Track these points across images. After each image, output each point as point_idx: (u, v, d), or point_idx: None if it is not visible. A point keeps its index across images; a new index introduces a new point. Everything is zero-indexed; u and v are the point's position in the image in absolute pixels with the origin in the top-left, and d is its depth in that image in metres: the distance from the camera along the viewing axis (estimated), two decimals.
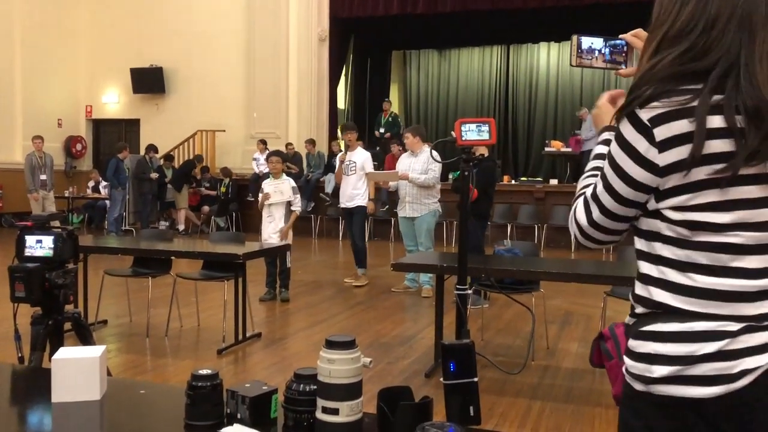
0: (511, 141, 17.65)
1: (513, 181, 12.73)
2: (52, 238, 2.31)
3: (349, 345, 1.33)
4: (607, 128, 1.45)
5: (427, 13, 13.61)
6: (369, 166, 7.48)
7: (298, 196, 6.66)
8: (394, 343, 5.18)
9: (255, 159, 13.26)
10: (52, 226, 2.35)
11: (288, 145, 13.26)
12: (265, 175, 12.47)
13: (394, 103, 18.36)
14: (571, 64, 1.56)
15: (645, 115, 1.20)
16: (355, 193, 7.42)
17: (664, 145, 1.19)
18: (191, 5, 14.46)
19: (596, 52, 1.50)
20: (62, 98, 15.17)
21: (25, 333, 2.43)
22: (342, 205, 7.62)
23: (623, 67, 1.50)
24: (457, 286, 2.56)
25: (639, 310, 1.29)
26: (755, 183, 1.19)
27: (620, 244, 1.59)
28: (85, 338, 2.44)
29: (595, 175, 1.37)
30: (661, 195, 1.23)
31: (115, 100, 15.58)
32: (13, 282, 2.26)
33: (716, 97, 1.17)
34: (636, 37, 1.46)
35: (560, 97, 17.26)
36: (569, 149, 13.30)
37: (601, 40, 1.50)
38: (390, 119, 14.13)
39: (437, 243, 8.20)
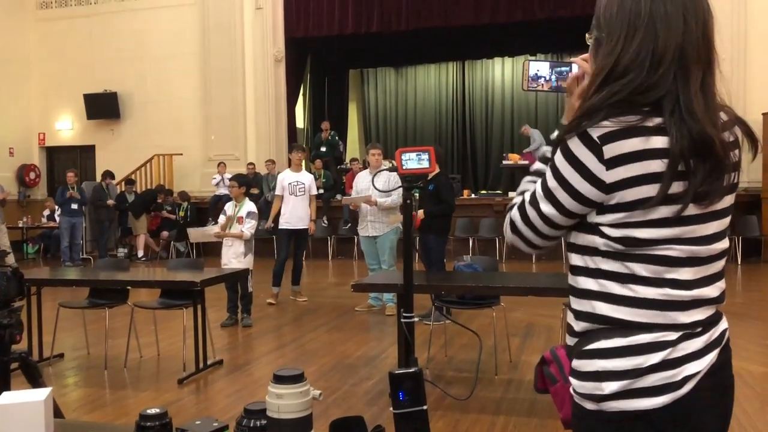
0: (470, 155, 17.84)
1: (473, 195, 12.84)
2: None
3: (297, 379, 1.32)
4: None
5: (381, 31, 13.74)
6: (314, 188, 7.75)
7: (253, 221, 6.48)
8: (359, 365, 5.15)
9: (214, 179, 13.15)
10: None
11: (249, 165, 13.20)
12: (227, 198, 12.37)
13: (352, 121, 18.43)
14: (522, 89, 1.63)
15: (595, 132, 1.22)
16: (305, 214, 7.57)
17: (612, 163, 1.22)
18: (144, 29, 14.33)
19: (542, 78, 1.56)
20: (13, 126, 14.85)
21: None
22: (291, 227, 7.55)
23: None
24: (403, 314, 2.53)
25: (580, 327, 1.31)
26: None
27: None
28: (34, 378, 2.37)
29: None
30: (602, 210, 1.26)
31: (68, 127, 15.30)
32: None
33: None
34: (585, 60, 1.49)
35: (516, 111, 17.54)
36: (526, 162, 13.52)
37: (548, 65, 1.55)
38: (330, 139, 13.94)
39: (399, 260, 8.20)
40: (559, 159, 1.27)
